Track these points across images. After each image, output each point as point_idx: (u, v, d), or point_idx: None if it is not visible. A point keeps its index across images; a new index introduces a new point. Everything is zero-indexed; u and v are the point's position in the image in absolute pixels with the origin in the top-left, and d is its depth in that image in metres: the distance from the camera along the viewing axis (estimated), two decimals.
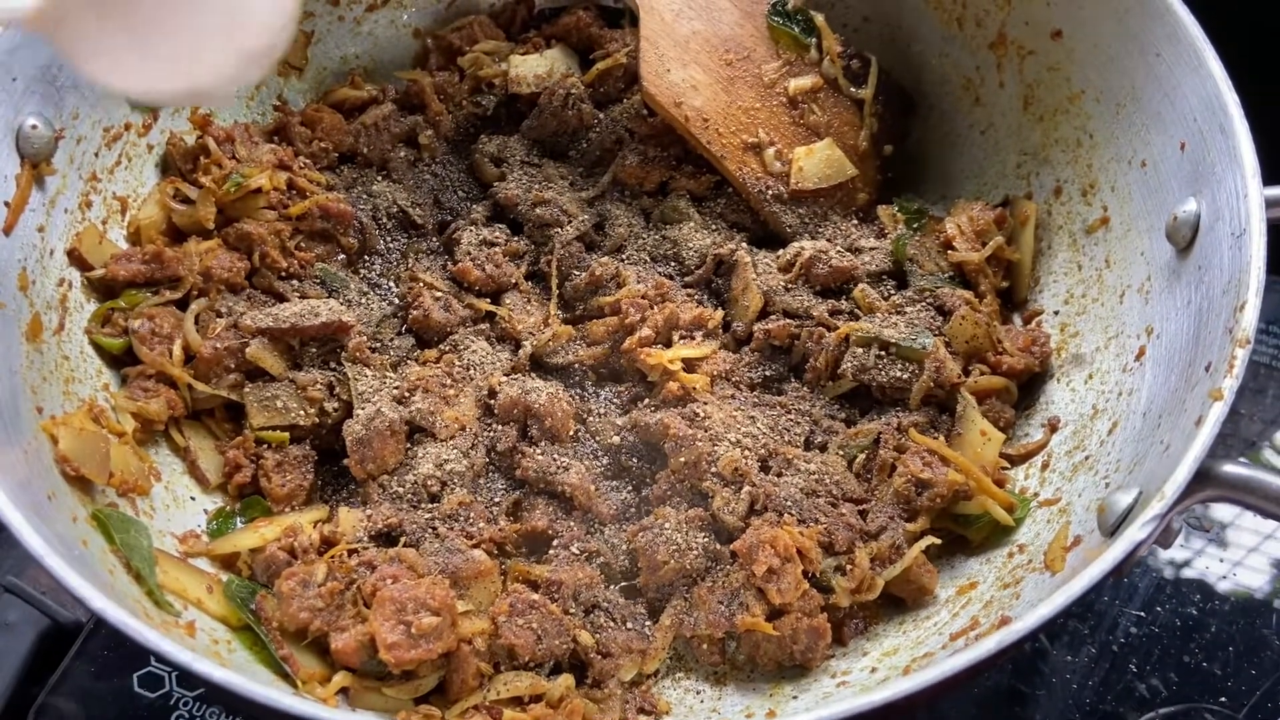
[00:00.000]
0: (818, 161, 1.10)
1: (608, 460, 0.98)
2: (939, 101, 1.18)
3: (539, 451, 0.96)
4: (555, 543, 0.92)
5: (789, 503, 0.90)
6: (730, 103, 1.10)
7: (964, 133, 1.16)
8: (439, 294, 1.05)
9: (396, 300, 1.07)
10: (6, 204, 0.90)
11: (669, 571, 0.89)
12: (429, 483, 0.93)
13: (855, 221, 1.11)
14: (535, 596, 0.86)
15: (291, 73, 1.18)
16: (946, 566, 0.93)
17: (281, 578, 0.85)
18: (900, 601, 0.91)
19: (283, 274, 1.04)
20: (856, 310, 1.02)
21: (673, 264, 1.08)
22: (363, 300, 1.05)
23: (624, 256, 1.08)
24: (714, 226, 1.10)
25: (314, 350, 0.99)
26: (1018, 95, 1.10)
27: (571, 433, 0.97)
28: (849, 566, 0.88)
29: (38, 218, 0.93)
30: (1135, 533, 0.69)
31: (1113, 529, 0.76)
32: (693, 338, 1.01)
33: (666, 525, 0.90)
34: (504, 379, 0.99)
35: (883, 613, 0.91)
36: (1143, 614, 1.04)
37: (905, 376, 0.96)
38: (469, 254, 1.07)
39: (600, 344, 1.03)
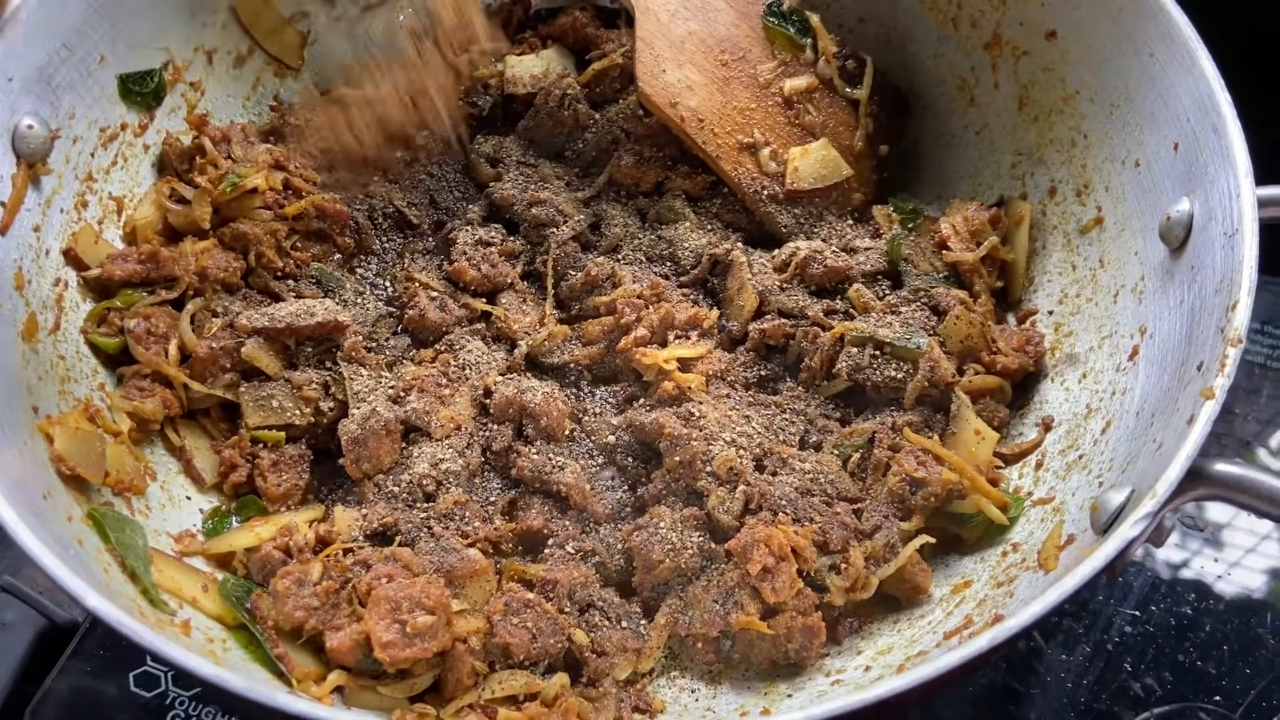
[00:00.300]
0: (813, 162, 1.10)
1: (603, 460, 0.98)
2: (934, 102, 1.18)
3: (534, 451, 0.96)
4: (550, 542, 0.92)
5: (784, 502, 0.90)
6: (726, 103, 1.10)
7: (959, 133, 1.16)
8: (435, 294, 1.05)
9: (392, 300, 1.07)
10: (2, 204, 0.90)
11: (664, 571, 0.89)
12: (424, 482, 0.93)
13: (850, 221, 1.11)
14: (530, 595, 0.87)
15: (288, 73, 1.18)
16: (941, 565, 0.93)
17: (277, 577, 0.85)
18: (895, 600, 0.91)
19: (278, 274, 1.04)
20: (851, 310, 1.02)
21: (668, 264, 1.08)
22: (358, 300, 1.05)
23: (620, 256, 1.09)
24: (709, 226, 1.10)
25: (309, 350, 0.99)
26: (1012, 96, 1.11)
27: (567, 432, 0.98)
28: (843, 565, 0.88)
29: (33, 217, 0.93)
30: (1127, 530, 0.70)
31: (1105, 527, 0.76)
32: (688, 337, 1.01)
33: (662, 524, 0.90)
34: (499, 378, 0.99)
35: (877, 611, 0.91)
36: (1137, 613, 1.04)
37: (900, 376, 0.97)
38: (465, 254, 1.07)
39: (596, 344, 1.04)
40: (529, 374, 1.02)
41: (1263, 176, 0.83)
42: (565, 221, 1.09)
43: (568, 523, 0.94)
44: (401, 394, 0.97)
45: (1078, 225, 1.04)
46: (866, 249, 1.06)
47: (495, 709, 0.82)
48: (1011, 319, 1.08)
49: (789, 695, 0.86)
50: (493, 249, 1.08)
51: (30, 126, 0.92)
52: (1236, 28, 1.04)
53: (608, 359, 1.03)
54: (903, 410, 0.97)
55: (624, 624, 0.89)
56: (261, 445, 0.96)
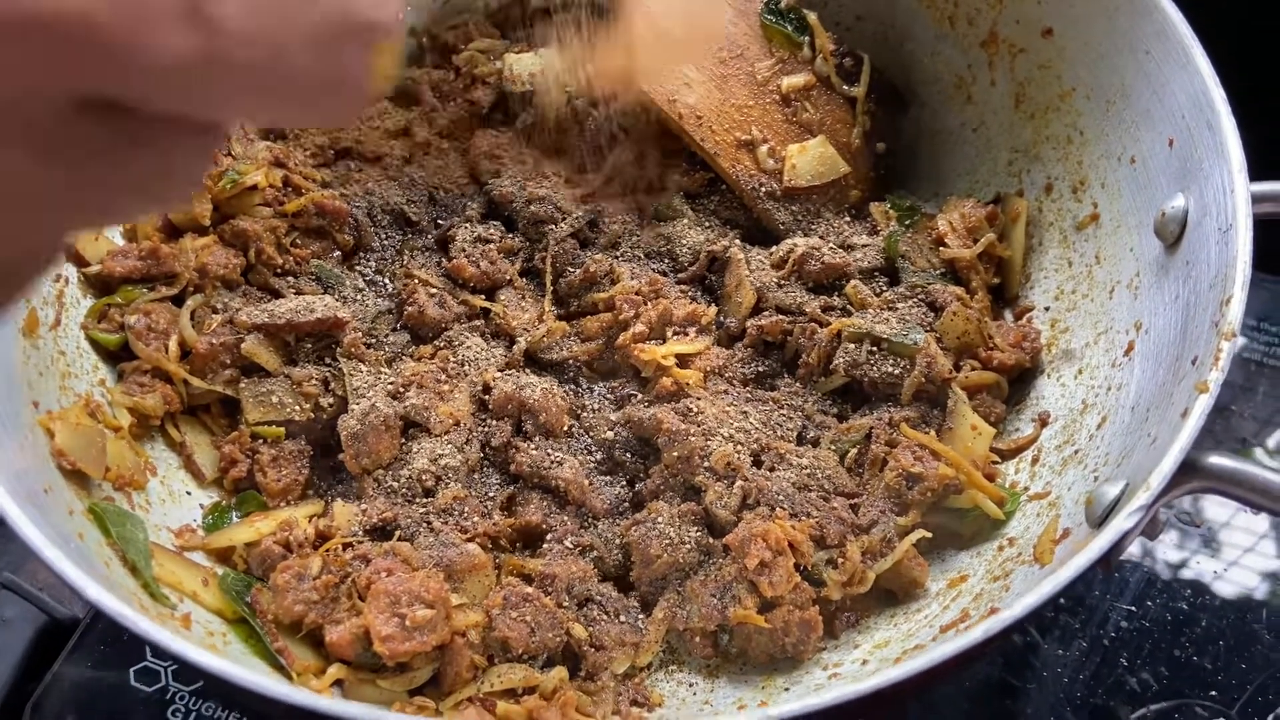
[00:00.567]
0: (811, 159, 1.11)
1: (601, 455, 0.98)
2: (931, 99, 1.18)
3: (533, 447, 0.96)
4: (549, 537, 0.93)
5: (781, 497, 0.91)
6: (724, 100, 1.11)
7: (956, 130, 1.17)
8: (434, 290, 1.06)
9: (391, 297, 1.08)
10: None
11: (662, 565, 0.89)
12: (423, 477, 0.93)
13: (848, 218, 1.12)
14: (529, 590, 0.87)
15: None
16: (937, 560, 0.94)
17: (276, 571, 0.86)
18: (892, 595, 0.92)
19: (278, 270, 1.05)
20: (849, 306, 1.03)
21: (666, 260, 1.09)
22: (358, 296, 1.06)
23: (618, 253, 1.09)
24: (707, 223, 1.11)
25: (309, 346, 0.99)
26: (1009, 93, 1.11)
27: (565, 428, 0.98)
28: (840, 560, 0.89)
29: None
30: (1121, 523, 0.70)
31: (1100, 520, 0.77)
32: (686, 334, 1.02)
33: (659, 519, 0.91)
34: (498, 374, 1.00)
35: (874, 606, 0.92)
36: (1133, 609, 1.05)
37: (897, 372, 0.97)
38: (464, 251, 1.08)
39: (594, 340, 1.04)
40: (528, 370, 1.03)
41: (1257, 172, 0.84)
42: (564, 218, 1.09)
43: (566, 518, 0.94)
44: (401, 390, 0.98)
45: (1074, 222, 1.05)
46: (864, 246, 1.07)
47: (494, 702, 0.82)
48: (1008, 315, 1.08)
49: (786, 689, 0.86)
50: (492, 246, 1.09)
51: None
52: (1231, 24, 1.05)
53: (606, 355, 1.04)
54: (900, 406, 0.97)
55: (622, 618, 0.89)
56: (261, 441, 0.97)
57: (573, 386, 1.03)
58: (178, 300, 1.01)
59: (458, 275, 1.07)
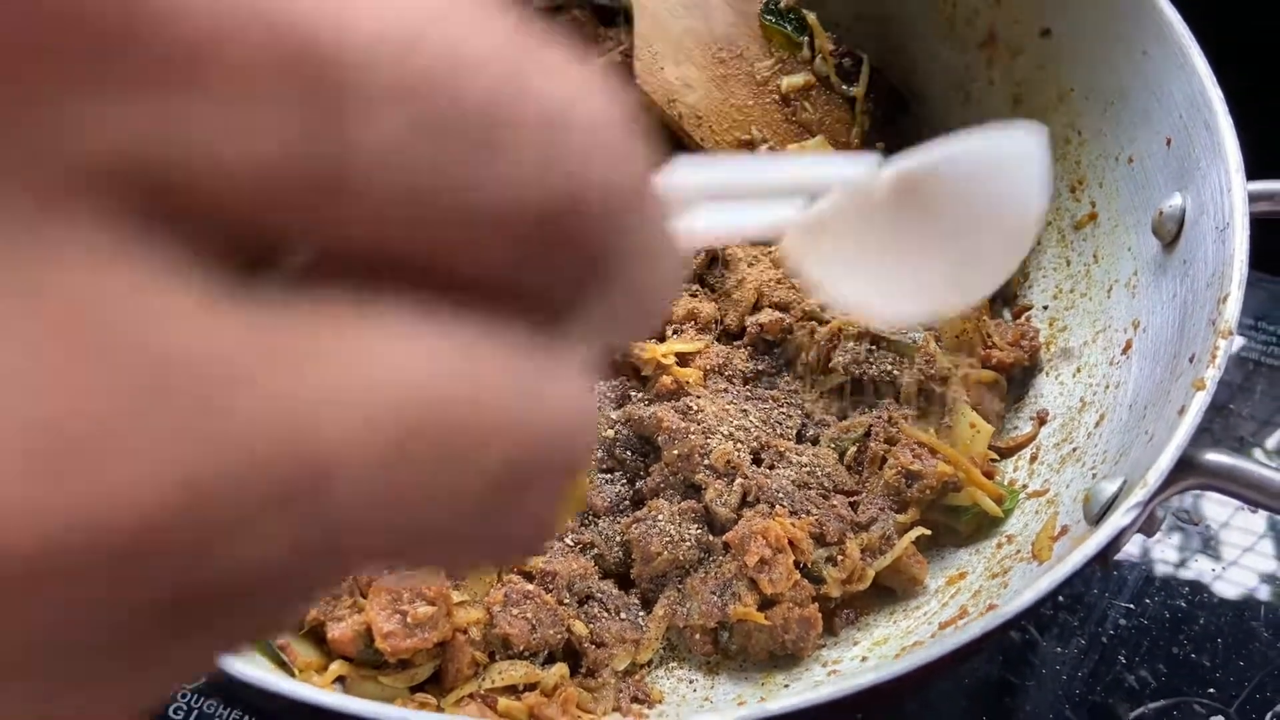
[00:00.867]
0: None
1: (601, 453, 0.99)
2: (930, 99, 1.18)
3: None
4: None
5: (781, 494, 0.91)
6: (723, 100, 1.11)
7: (955, 130, 1.16)
8: None
9: None
10: None
11: (662, 562, 0.90)
12: None
13: None
14: (530, 587, 0.87)
15: None
16: (936, 557, 0.94)
17: None
18: (891, 592, 0.92)
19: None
20: None
21: None
22: None
23: None
24: None
25: None
26: (1007, 93, 1.12)
27: None
28: (840, 557, 0.89)
29: None
30: (1119, 519, 0.70)
31: (1097, 517, 0.77)
32: (686, 332, 1.02)
33: (660, 517, 0.91)
34: None
35: (874, 603, 0.92)
36: (1132, 606, 1.05)
37: (896, 370, 0.98)
38: None
39: None
40: None
41: (1254, 171, 0.84)
42: None
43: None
44: None
45: (1072, 221, 1.05)
46: None
47: (495, 698, 0.83)
48: (1007, 314, 1.09)
49: (786, 685, 0.87)
50: None
51: None
52: (1229, 25, 1.05)
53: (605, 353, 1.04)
54: (899, 404, 0.98)
55: (623, 615, 0.90)
56: None
57: None
58: None
59: None
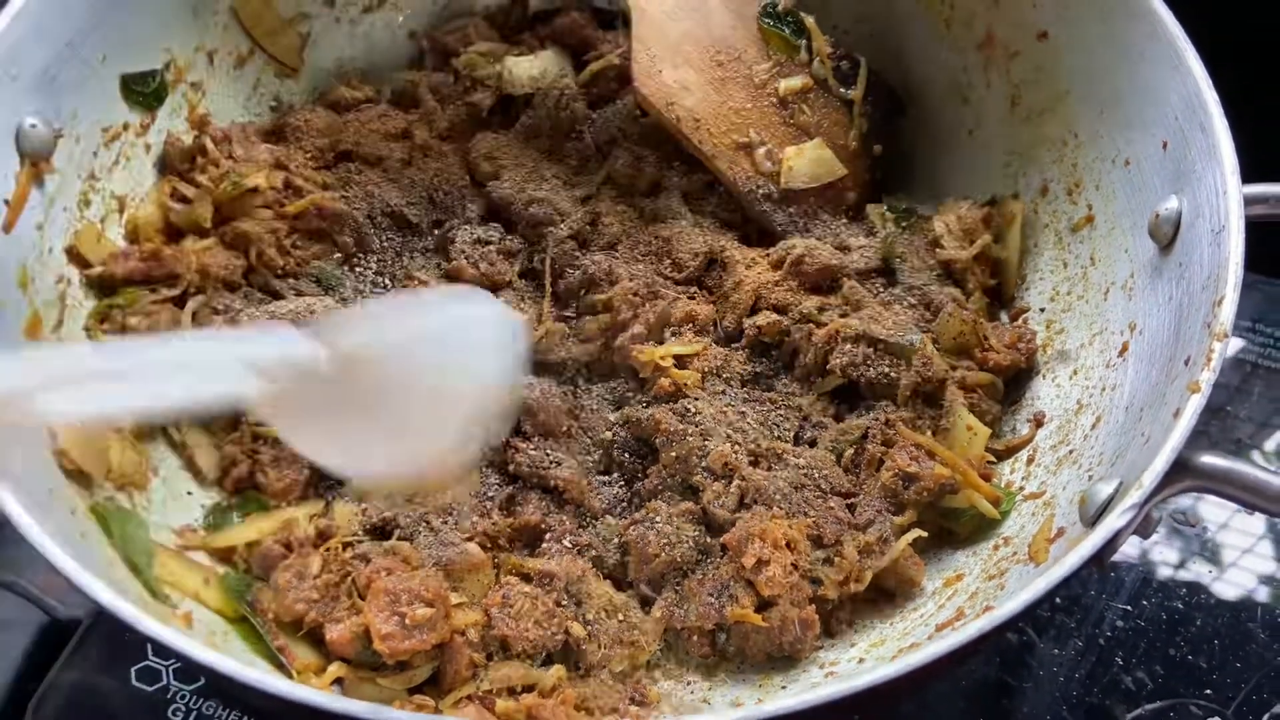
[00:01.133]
0: (808, 161, 1.11)
1: (600, 455, 0.99)
2: (928, 102, 1.19)
3: (532, 447, 0.97)
4: (548, 536, 0.93)
5: (778, 496, 0.91)
6: (722, 103, 1.11)
7: (952, 133, 1.17)
8: None
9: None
10: (6, 202, 0.91)
11: (660, 564, 0.90)
12: None
13: (845, 220, 1.12)
14: (528, 589, 0.88)
15: (288, 74, 1.19)
16: (934, 559, 0.94)
17: (277, 570, 0.86)
18: (888, 594, 0.92)
19: (279, 272, 1.05)
20: (846, 307, 1.03)
21: (665, 261, 1.09)
22: (358, 298, 1.06)
23: (616, 254, 1.10)
24: (705, 225, 1.11)
25: None
26: (1005, 96, 1.12)
27: (564, 428, 0.99)
28: (837, 559, 0.89)
29: (37, 216, 0.94)
30: (1114, 521, 0.71)
31: (1093, 519, 0.77)
32: (684, 334, 1.02)
33: (658, 519, 0.91)
34: None
35: (871, 605, 0.92)
36: (1129, 608, 1.05)
37: (893, 373, 0.98)
38: (463, 252, 1.08)
39: (593, 341, 1.05)
40: (527, 371, 1.03)
41: (1249, 174, 0.85)
42: (563, 220, 1.10)
43: (565, 517, 0.95)
44: None
45: (1069, 224, 1.05)
46: (860, 247, 1.08)
47: (493, 700, 0.83)
48: (1004, 316, 1.09)
49: (783, 687, 0.87)
50: (491, 247, 1.09)
51: (34, 126, 0.93)
52: (1224, 27, 1.06)
53: (605, 356, 1.04)
54: (896, 406, 0.98)
55: (620, 617, 0.90)
56: (262, 441, 0.97)
57: (571, 387, 1.04)
58: (179, 302, 1.01)
59: (457, 277, 1.08)
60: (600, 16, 1.24)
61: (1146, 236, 0.93)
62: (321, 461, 0.67)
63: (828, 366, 1.00)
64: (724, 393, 1.00)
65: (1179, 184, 0.90)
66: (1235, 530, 1.11)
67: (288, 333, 0.68)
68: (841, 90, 1.15)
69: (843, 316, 1.01)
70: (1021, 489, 0.94)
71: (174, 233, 1.05)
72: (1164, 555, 1.09)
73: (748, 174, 1.11)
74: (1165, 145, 0.92)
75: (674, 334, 1.02)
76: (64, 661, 1.00)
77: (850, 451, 0.97)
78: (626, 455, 0.98)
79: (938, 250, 1.07)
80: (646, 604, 0.91)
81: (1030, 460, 0.96)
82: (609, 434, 0.99)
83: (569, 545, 0.93)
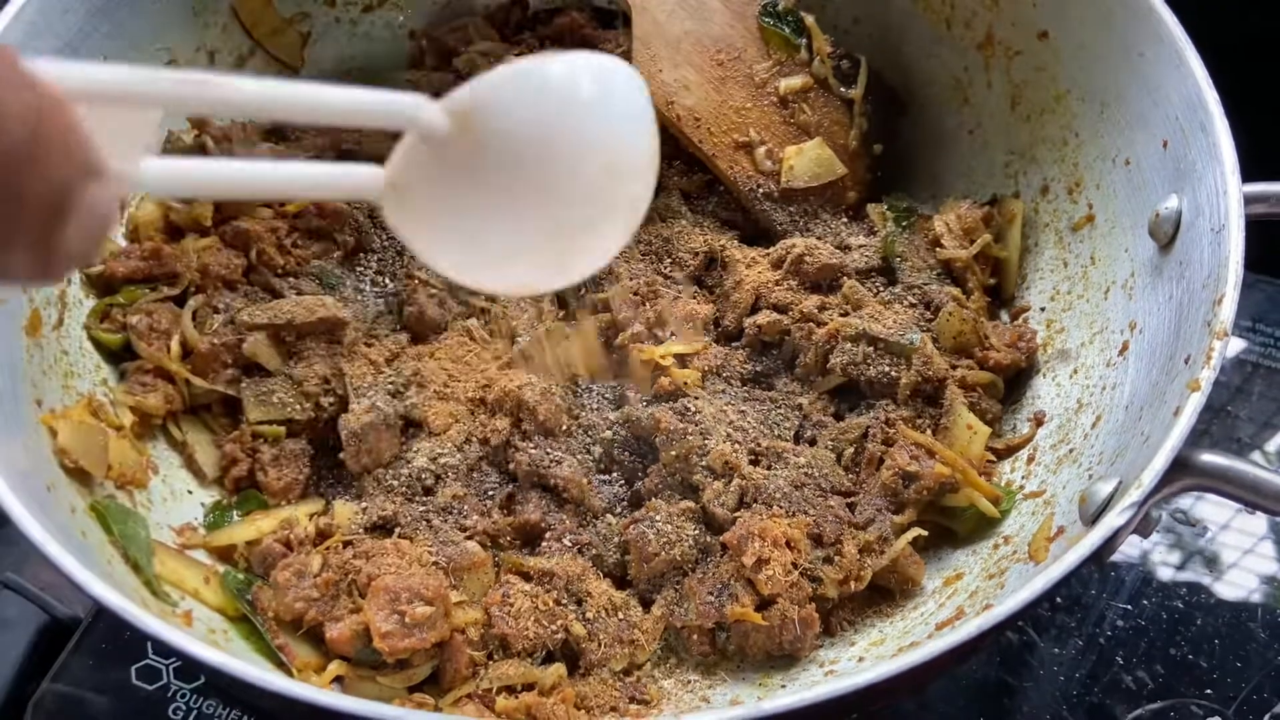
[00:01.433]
0: (808, 160, 1.11)
1: (600, 454, 0.99)
2: (928, 101, 1.19)
3: (532, 446, 0.97)
4: (548, 535, 0.93)
5: (778, 495, 0.91)
6: (722, 102, 1.11)
7: (953, 132, 1.17)
8: (434, 291, 1.06)
9: (392, 297, 1.08)
10: None
11: (660, 563, 0.90)
12: (423, 476, 0.94)
13: (845, 219, 1.13)
14: (528, 587, 0.88)
15: (289, 74, 1.19)
16: (934, 558, 0.94)
17: (278, 569, 0.86)
18: (888, 593, 0.92)
19: (279, 271, 1.05)
20: (846, 306, 1.03)
21: (665, 260, 1.09)
22: (358, 297, 1.07)
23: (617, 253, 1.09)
24: (705, 224, 1.11)
25: (310, 346, 1.00)
26: (1005, 95, 1.12)
27: (564, 427, 0.99)
28: (837, 557, 0.89)
29: None
30: (1114, 519, 0.71)
31: (1093, 518, 0.77)
32: (684, 334, 1.02)
33: (657, 518, 0.91)
34: (498, 373, 1.01)
35: (871, 604, 0.92)
36: (1129, 607, 1.05)
37: (893, 372, 0.98)
38: None
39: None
40: (526, 370, 1.03)
41: (1250, 173, 0.84)
42: None
43: (565, 516, 0.95)
44: (401, 389, 0.98)
45: (1069, 223, 1.05)
46: (861, 246, 1.08)
47: (493, 698, 0.83)
48: (1004, 315, 1.09)
49: (783, 685, 0.87)
50: None
51: None
52: (1225, 27, 1.05)
53: (605, 355, 1.04)
54: (896, 405, 0.98)
55: (620, 616, 0.90)
56: (262, 440, 0.97)
57: (571, 386, 1.04)
58: (180, 300, 1.02)
59: None
60: (600, 16, 1.24)
61: (1147, 235, 0.93)
62: (459, 274, 0.57)
63: (828, 365, 1.00)
64: (724, 392, 1.00)
65: (1179, 183, 0.90)
66: (1236, 530, 1.11)
67: (408, 96, 0.58)
68: (842, 89, 1.15)
69: (843, 316, 1.01)
70: (1021, 488, 0.94)
71: (174, 231, 1.05)
72: (1164, 555, 1.09)
73: (748, 173, 1.11)
74: (1166, 144, 0.92)
75: (674, 333, 1.03)
76: (64, 660, 1.00)
77: (850, 450, 0.97)
78: (626, 454, 0.98)
79: (938, 249, 1.07)
80: (646, 603, 0.91)
81: (1030, 459, 0.96)
82: (609, 433, 0.99)
83: (569, 544, 0.93)
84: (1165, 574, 1.08)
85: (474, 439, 0.97)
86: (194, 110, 0.78)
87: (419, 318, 1.05)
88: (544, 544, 0.93)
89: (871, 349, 0.98)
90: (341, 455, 0.95)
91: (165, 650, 0.98)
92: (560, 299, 1.08)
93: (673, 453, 0.94)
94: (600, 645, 0.87)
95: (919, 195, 1.17)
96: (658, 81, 1.09)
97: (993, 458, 0.98)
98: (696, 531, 0.91)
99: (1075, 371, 0.99)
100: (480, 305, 1.07)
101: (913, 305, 1.03)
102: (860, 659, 0.87)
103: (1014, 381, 1.03)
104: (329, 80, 1.18)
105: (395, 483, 0.94)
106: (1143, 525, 0.75)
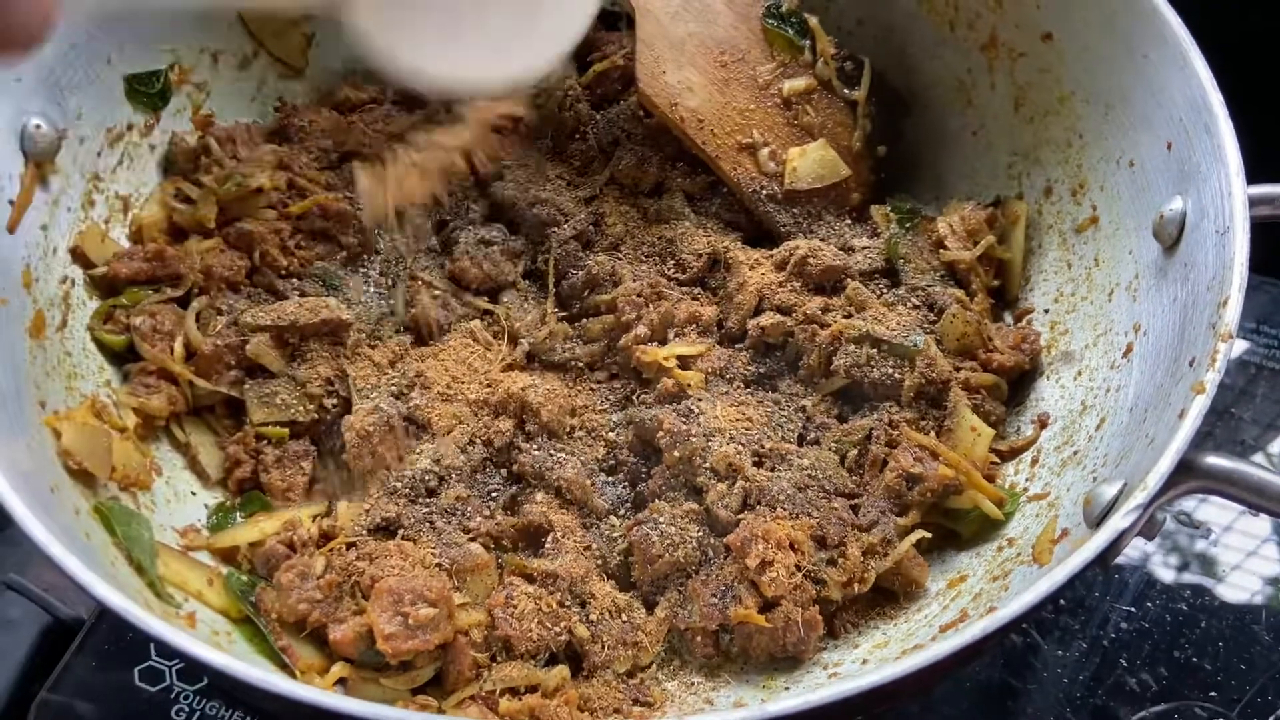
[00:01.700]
0: (811, 162, 1.11)
1: (603, 455, 0.99)
2: (931, 103, 1.19)
3: (535, 447, 0.97)
4: (551, 537, 0.93)
5: (782, 497, 0.91)
6: (725, 104, 1.11)
7: (956, 134, 1.17)
8: (437, 292, 1.06)
9: (395, 298, 1.08)
10: (11, 202, 0.91)
11: (663, 565, 0.90)
12: (426, 477, 0.94)
13: (849, 221, 1.12)
14: (531, 589, 0.88)
15: (292, 75, 1.19)
16: (937, 560, 0.94)
17: (281, 570, 0.86)
18: (892, 595, 0.92)
19: (283, 272, 1.05)
20: (849, 308, 1.03)
21: (668, 262, 1.09)
22: (361, 298, 1.07)
23: (620, 255, 1.10)
24: (709, 225, 1.11)
25: (313, 347, 1.00)
26: (1009, 97, 1.12)
27: (567, 429, 0.99)
28: (841, 560, 0.89)
29: (41, 216, 0.94)
30: (1118, 522, 0.70)
31: (1097, 520, 0.77)
32: (687, 335, 1.02)
33: (661, 519, 0.91)
34: (501, 375, 1.01)
35: (874, 606, 0.92)
36: (1133, 610, 1.05)
37: (897, 374, 0.98)
38: (467, 253, 1.09)
39: (596, 341, 1.05)
40: (530, 371, 1.03)
41: (1254, 174, 0.84)
42: (566, 221, 1.10)
43: (568, 518, 0.94)
44: (404, 391, 0.98)
45: (1073, 224, 1.05)
46: (864, 248, 1.07)
47: (496, 700, 0.83)
48: (1008, 317, 1.09)
49: (787, 688, 0.87)
50: (494, 248, 1.09)
51: (38, 126, 0.93)
52: (1229, 28, 1.05)
53: (608, 357, 1.04)
54: (900, 407, 0.98)
55: (623, 618, 0.90)
56: (266, 441, 0.97)
57: (575, 388, 1.04)
58: (183, 302, 1.02)
59: (461, 277, 1.08)
60: (604, 17, 1.24)
61: (1151, 237, 0.93)
62: (401, 65, 0.60)
63: (831, 367, 1.00)
64: (727, 393, 1.00)
65: (1184, 185, 0.90)
66: (1239, 532, 1.11)
67: None
68: (845, 91, 1.15)
69: (846, 317, 1.01)
70: (1025, 490, 0.94)
71: (178, 233, 1.05)
72: (1168, 557, 1.09)
73: (751, 175, 1.11)
74: (1170, 146, 0.92)
75: (677, 335, 1.02)
76: (67, 661, 1.00)
77: (854, 452, 0.96)
78: (630, 456, 0.98)
79: (941, 251, 1.07)
80: (650, 605, 0.91)
81: (1034, 461, 0.96)
82: (612, 434, 0.99)
83: (572, 546, 0.93)
84: (1168, 576, 1.08)
85: (477, 440, 0.97)
86: None
87: (422, 319, 1.05)
88: (547, 545, 0.93)
89: (875, 351, 0.98)
90: (345, 457, 0.95)
91: (169, 652, 0.98)
92: (562, 301, 1.08)
93: (676, 454, 0.94)
94: (604, 647, 0.87)
95: (922, 197, 1.17)
96: (661, 83, 1.09)
97: (996, 460, 0.98)
98: (700, 533, 0.91)
99: (1079, 374, 0.99)
100: (483, 307, 1.07)
101: (916, 307, 1.03)
102: (864, 661, 0.87)
103: (1018, 384, 1.03)
104: (335, 82, 1.21)
105: (398, 484, 0.94)
106: (1148, 528, 0.75)
